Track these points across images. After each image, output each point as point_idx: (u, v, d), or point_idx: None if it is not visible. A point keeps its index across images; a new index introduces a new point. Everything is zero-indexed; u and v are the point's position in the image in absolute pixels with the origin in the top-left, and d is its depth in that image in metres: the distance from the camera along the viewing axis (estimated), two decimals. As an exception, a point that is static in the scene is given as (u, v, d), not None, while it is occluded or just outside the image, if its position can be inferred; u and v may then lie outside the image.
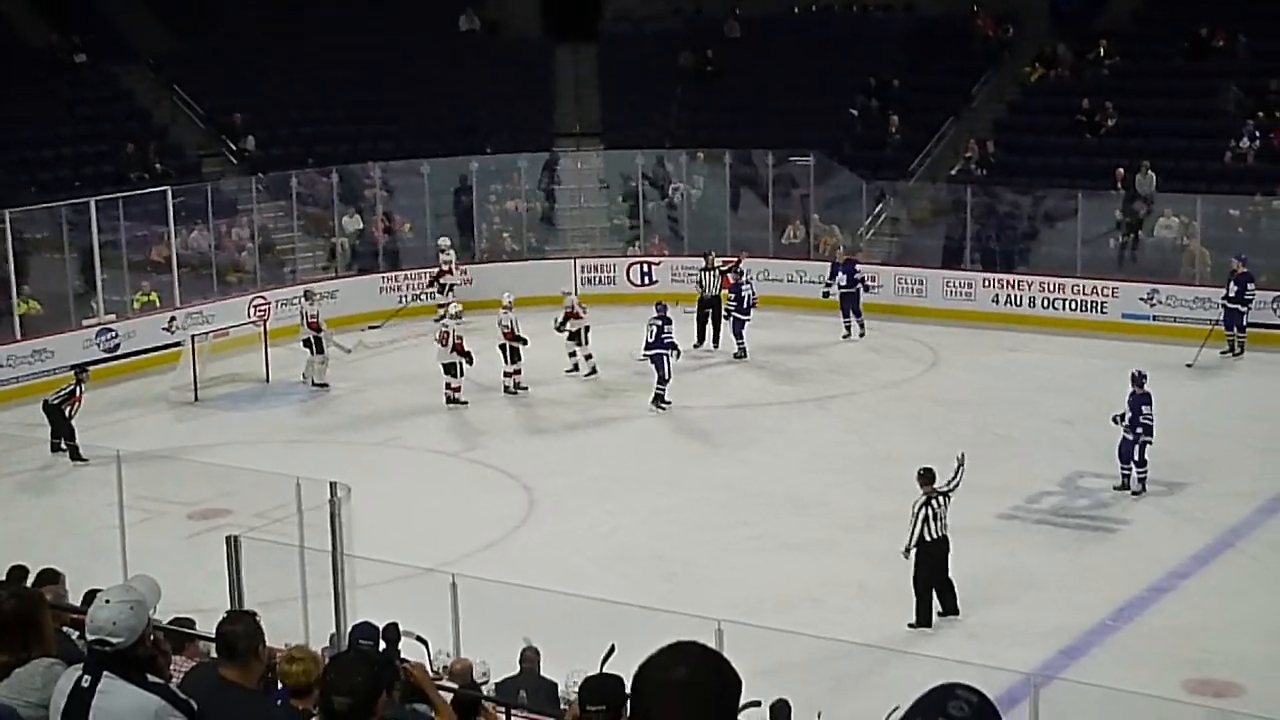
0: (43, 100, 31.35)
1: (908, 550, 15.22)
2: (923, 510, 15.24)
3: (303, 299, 25.96)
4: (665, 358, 23.22)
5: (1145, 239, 28.96)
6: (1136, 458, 18.77)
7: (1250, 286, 25.40)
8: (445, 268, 29.30)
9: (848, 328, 27.33)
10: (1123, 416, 18.83)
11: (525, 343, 24.32)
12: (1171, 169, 29.38)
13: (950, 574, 15.41)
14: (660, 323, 23.32)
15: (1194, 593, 16.15)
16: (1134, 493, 18.82)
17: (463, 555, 16.34)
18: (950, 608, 15.39)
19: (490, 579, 13.26)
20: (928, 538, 15.20)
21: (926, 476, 15.49)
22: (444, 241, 29.65)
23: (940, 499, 15.31)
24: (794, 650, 13.14)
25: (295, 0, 36.65)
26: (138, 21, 34.31)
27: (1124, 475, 18.87)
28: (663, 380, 23.18)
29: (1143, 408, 18.73)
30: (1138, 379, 18.94)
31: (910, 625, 15.15)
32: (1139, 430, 18.67)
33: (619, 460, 21.09)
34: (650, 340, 23.25)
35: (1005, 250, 30.04)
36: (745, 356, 26.01)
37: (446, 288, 28.83)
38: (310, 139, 33.25)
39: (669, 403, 23.21)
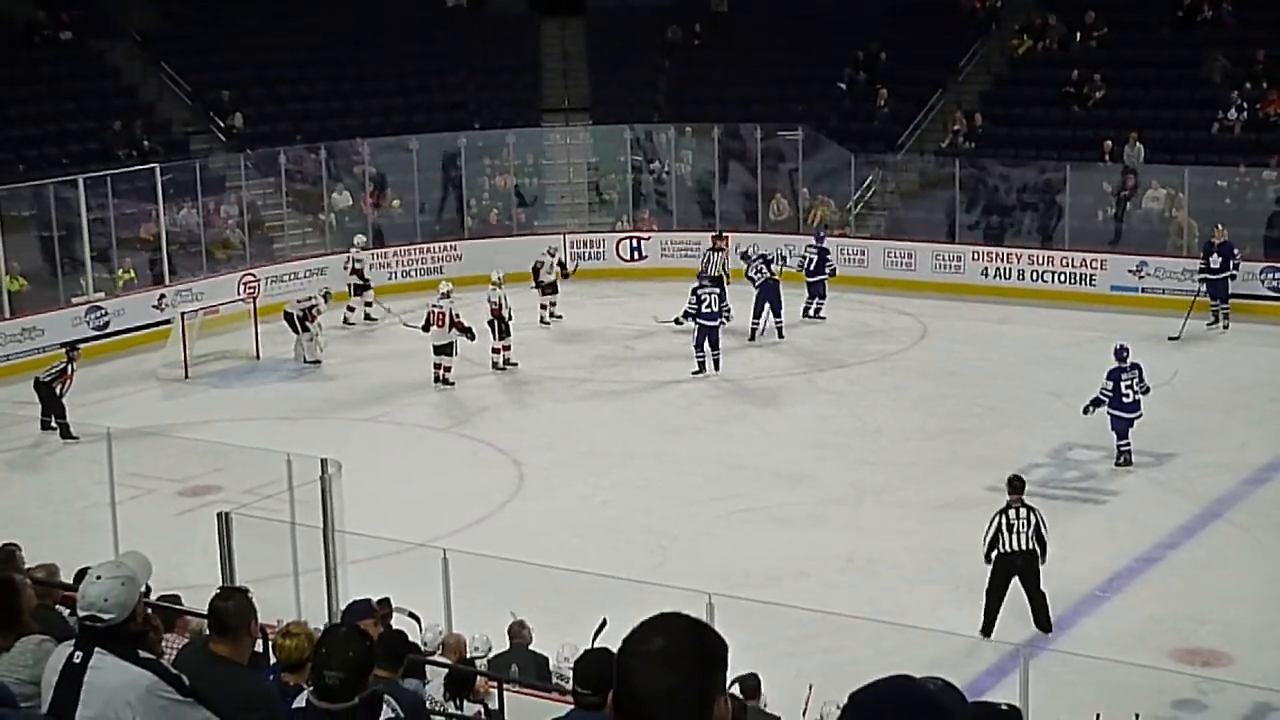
0: (28, 78, 31.25)
1: (986, 557, 14.38)
2: (998, 519, 14.41)
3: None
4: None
5: (1133, 210, 29.00)
6: (1118, 432, 18.78)
7: (1235, 254, 25.44)
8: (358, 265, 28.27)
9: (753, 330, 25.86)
10: (1094, 404, 18.80)
11: (510, 319, 24.32)
12: (1159, 140, 29.41)
13: (1041, 587, 14.39)
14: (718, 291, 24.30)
15: (1182, 563, 16.22)
16: (1116, 464, 18.87)
17: (453, 530, 16.37)
18: (1040, 622, 14.37)
19: (481, 554, 13.29)
20: (1002, 548, 14.29)
21: (1014, 484, 14.69)
22: (360, 239, 28.99)
23: (1025, 511, 14.37)
24: (783, 623, 13.20)
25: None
26: (124, -2, 34.21)
27: (1120, 451, 18.86)
28: (715, 345, 23.78)
29: (1110, 382, 18.65)
30: (1119, 353, 18.95)
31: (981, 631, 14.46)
32: (1105, 400, 18.67)
33: (608, 435, 21.12)
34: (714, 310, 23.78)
35: (994, 223, 30.09)
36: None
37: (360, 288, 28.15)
38: (298, 115, 33.19)
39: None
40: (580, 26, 37.03)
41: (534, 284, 27.02)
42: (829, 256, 27.16)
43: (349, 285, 27.95)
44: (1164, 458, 19.18)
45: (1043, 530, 14.32)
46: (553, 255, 27.68)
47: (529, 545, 15.44)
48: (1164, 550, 16.50)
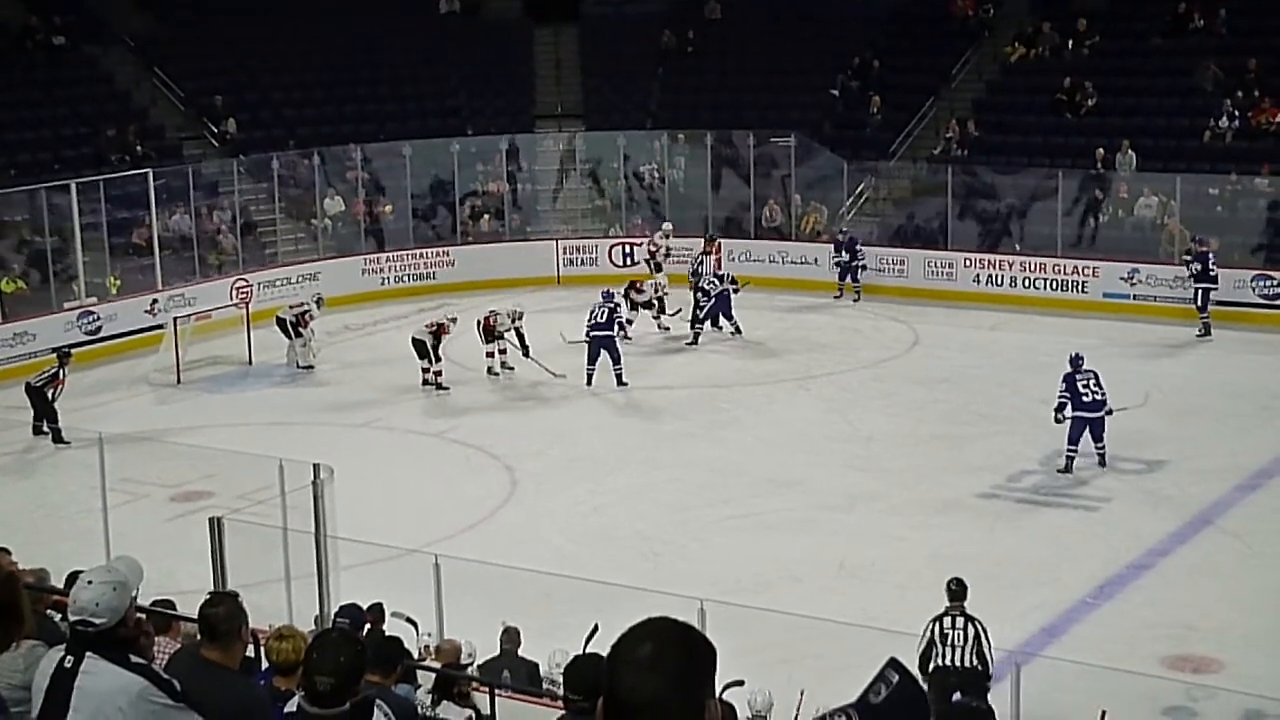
0: (21, 83, 31.24)
1: (921, 669, 11.81)
2: (932, 627, 12.11)
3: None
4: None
5: (1125, 218, 29.06)
6: (1071, 438, 18.79)
7: (1209, 261, 25.50)
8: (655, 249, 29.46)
9: (733, 329, 26.40)
10: (1058, 410, 18.83)
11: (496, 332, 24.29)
12: (1151, 148, 29.46)
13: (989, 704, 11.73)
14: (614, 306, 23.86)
15: (1173, 570, 16.22)
16: (1059, 469, 18.85)
17: (446, 536, 16.36)
18: None
19: (473, 559, 13.29)
20: (937, 662, 11.94)
21: (952, 590, 12.34)
22: (668, 226, 29.95)
23: (963, 621, 12.08)
24: (775, 629, 13.20)
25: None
26: (117, 3, 34.19)
27: (1068, 457, 18.88)
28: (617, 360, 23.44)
29: (1064, 384, 18.73)
30: (1074, 360, 19.02)
31: None
32: (1067, 401, 18.72)
33: (600, 440, 21.13)
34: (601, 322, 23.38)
35: (986, 230, 30.14)
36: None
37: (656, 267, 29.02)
38: (291, 121, 33.20)
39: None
40: (574, 33, 37.07)
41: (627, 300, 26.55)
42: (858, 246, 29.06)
43: (646, 262, 29.40)
44: (1155, 464, 19.21)
45: (984, 645, 11.97)
46: (656, 290, 26.86)
47: (521, 551, 15.44)
48: (1155, 557, 16.50)
